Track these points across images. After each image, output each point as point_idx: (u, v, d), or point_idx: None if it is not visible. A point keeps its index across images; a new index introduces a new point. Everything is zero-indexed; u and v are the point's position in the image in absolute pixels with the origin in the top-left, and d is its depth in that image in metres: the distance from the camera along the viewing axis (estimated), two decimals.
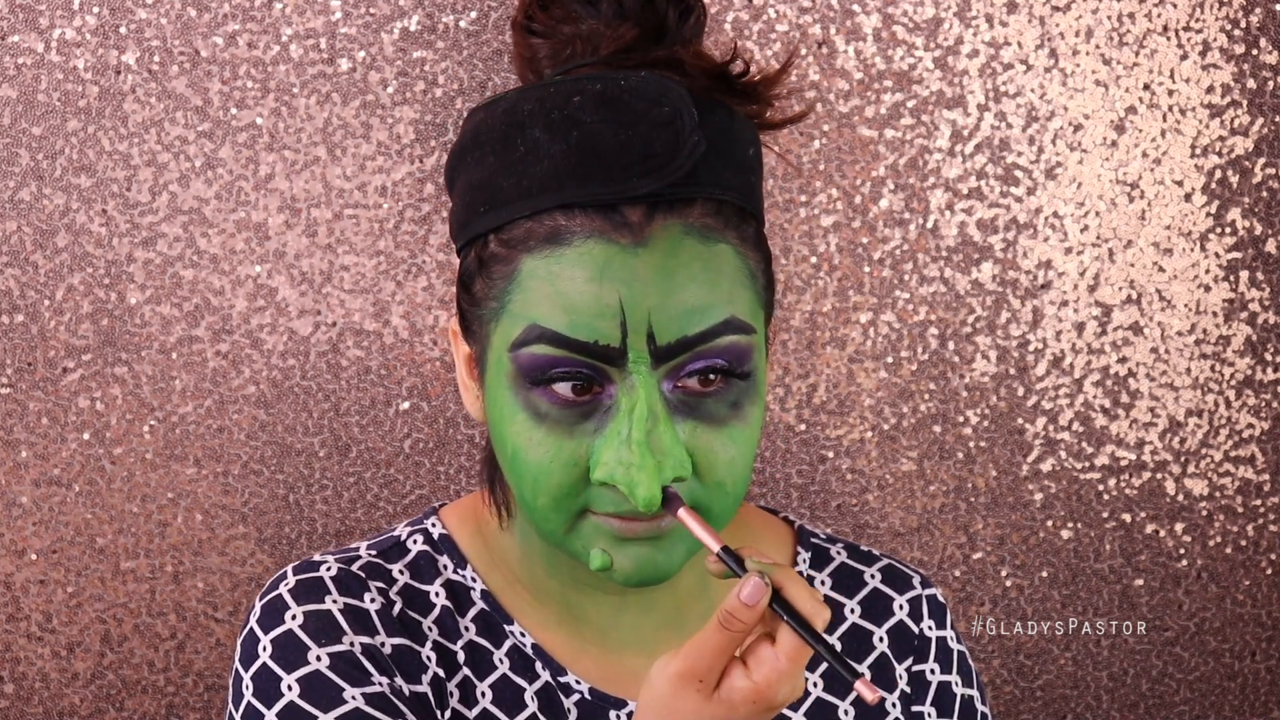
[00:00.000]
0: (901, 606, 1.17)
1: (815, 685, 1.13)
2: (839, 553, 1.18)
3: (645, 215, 0.99)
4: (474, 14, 1.45)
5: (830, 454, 1.53)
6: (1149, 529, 1.57)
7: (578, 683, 1.09)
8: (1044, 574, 1.56)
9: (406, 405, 1.48)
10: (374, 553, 1.10)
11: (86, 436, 1.46)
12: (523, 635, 1.09)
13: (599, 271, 0.98)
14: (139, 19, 1.43)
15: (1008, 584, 1.56)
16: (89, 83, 1.43)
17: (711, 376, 1.00)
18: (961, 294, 1.52)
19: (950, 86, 1.50)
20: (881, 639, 1.15)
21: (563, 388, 0.99)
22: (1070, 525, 1.56)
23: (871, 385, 1.52)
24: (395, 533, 1.13)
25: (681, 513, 0.98)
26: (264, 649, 1.04)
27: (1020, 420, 1.54)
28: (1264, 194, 1.54)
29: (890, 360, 1.52)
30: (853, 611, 1.16)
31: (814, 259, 1.50)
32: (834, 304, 1.51)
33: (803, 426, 1.52)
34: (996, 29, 1.50)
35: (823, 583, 1.16)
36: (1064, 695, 1.58)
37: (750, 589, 0.92)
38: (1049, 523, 1.55)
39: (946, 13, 1.49)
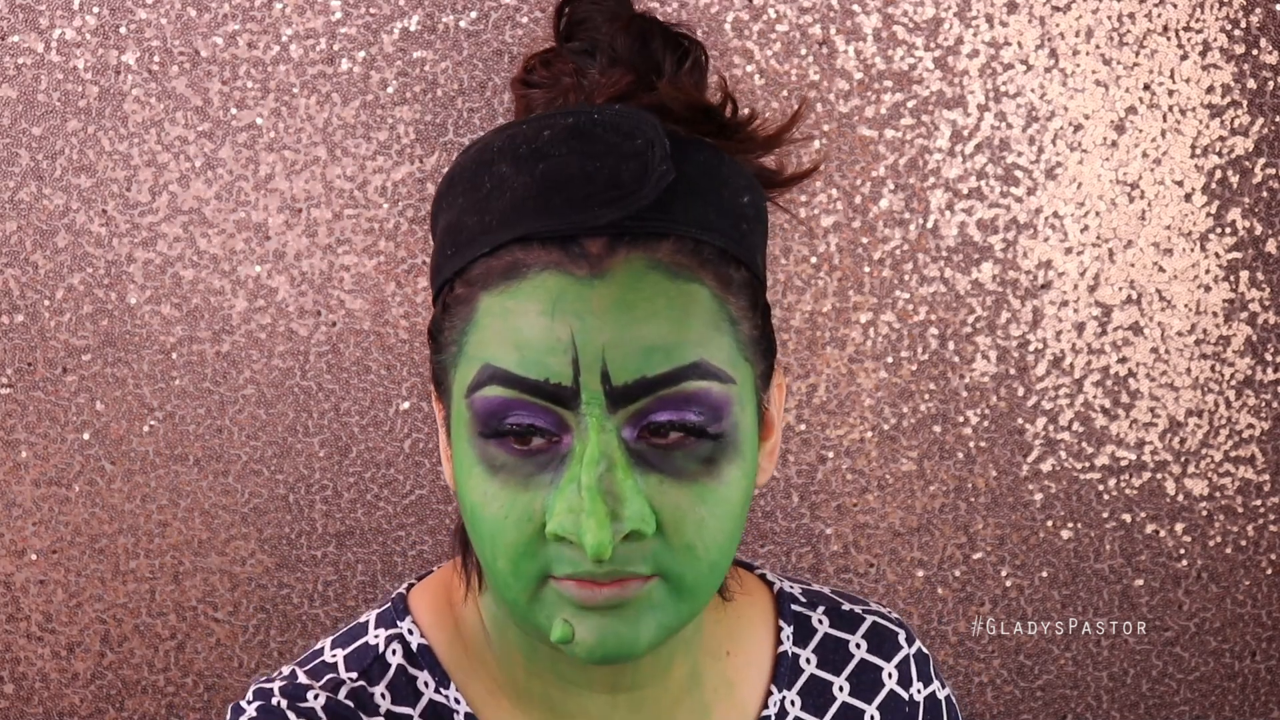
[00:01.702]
0: (890, 675, 1.12)
1: (842, 690, 1.12)
2: (820, 621, 1.12)
3: (607, 247, 0.92)
4: (474, 14, 1.45)
5: (830, 454, 1.52)
6: (1149, 529, 1.56)
7: None
8: (1044, 574, 1.56)
9: (406, 405, 1.48)
10: (354, 674, 1.04)
11: (86, 436, 1.46)
12: None
13: (552, 305, 0.91)
14: (139, 19, 1.43)
15: (1008, 584, 1.56)
16: (89, 83, 1.43)
17: (670, 432, 0.91)
18: (961, 294, 1.52)
19: (950, 86, 1.50)
20: (873, 717, 1.11)
21: (513, 429, 0.91)
22: (1070, 525, 1.56)
23: (871, 385, 1.52)
24: (369, 639, 1.06)
25: None
26: None
27: (1020, 420, 1.54)
28: (1264, 194, 1.54)
29: (890, 360, 1.52)
30: (841, 689, 1.11)
31: (814, 259, 1.50)
32: (834, 304, 1.51)
33: (803, 426, 1.52)
34: (996, 29, 1.50)
35: (808, 660, 1.11)
36: (1064, 695, 1.58)
37: None
38: (1049, 523, 1.55)
39: (946, 13, 1.49)
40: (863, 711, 1.12)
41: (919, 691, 1.14)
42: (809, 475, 1.52)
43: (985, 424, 1.54)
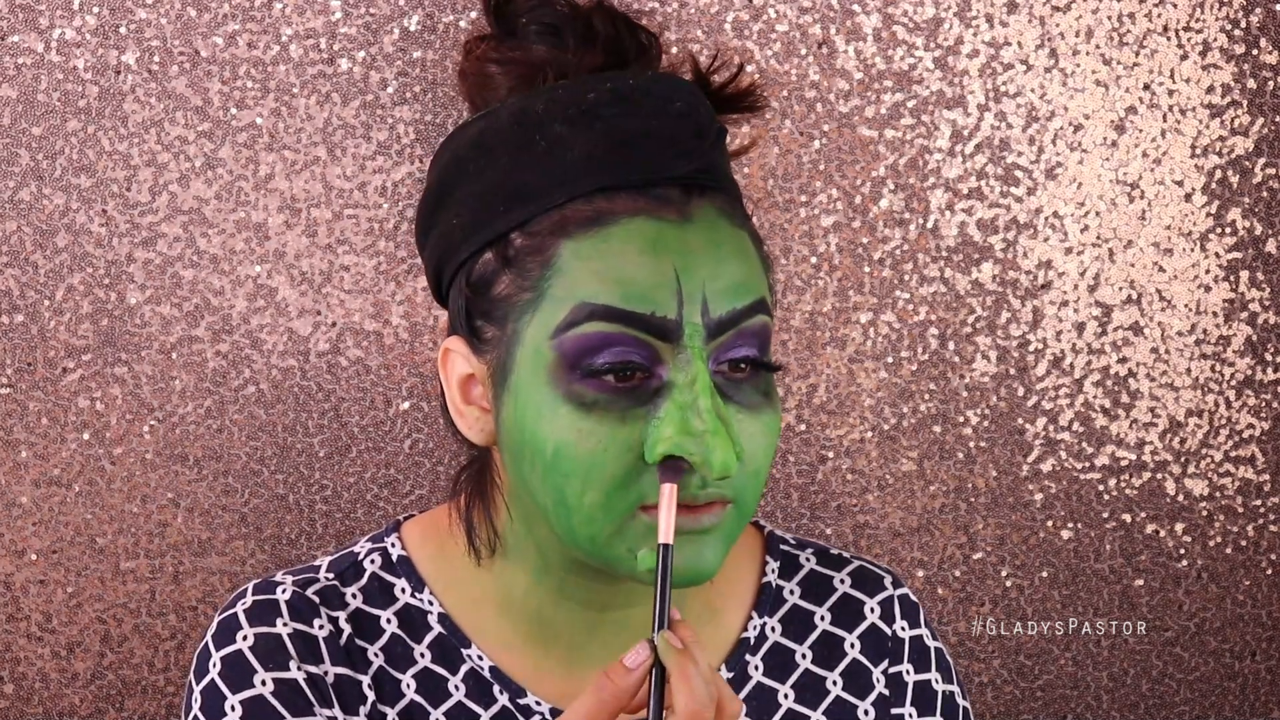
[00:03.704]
0: (873, 609, 1.16)
1: (786, 696, 1.13)
2: (808, 559, 1.17)
3: (684, 195, 0.99)
4: (474, 14, 1.45)
5: (830, 454, 1.53)
6: (1149, 529, 1.57)
7: (538, 704, 1.07)
8: (1044, 574, 1.56)
9: (406, 405, 1.48)
10: (331, 575, 1.09)
11: (86, 436, 1.46)
12: (480, 658, 1.07)
13: (651, 245, 0.97)
14: (139, 19, 1.43)
15: (1008, 584, 1.56)
16: (89, 83, 1.43)
17: (743, 366, 0.99)
18: (961, 294, 1.52)
19: (950, 86, 1.50)
20: (853, 645, 1.15)
21: (610, 366, 0.96)
22: (1070, 525, 1.56)
23: (871, 385, 1.52)
24: (355, 549, 1.12)
25: (669, 489, 0.94)
26: (214, 665, 1.05)
27: (1020, 420, 1.54)
28: (1264, 194, 1.54)
29: (890, 360, 1.52)
30: (822, 619, 1.15)
31: (814, 259, 1.50)
32: (834, 304, 1.51)
33: (803, 426, 1.52)
34: (996, 29, 1.50)
35: (791, 592, 1.15)
36: (1064, 695, 1.58)
37: (634, 653, 0.92)
38: (1049, 523, 1.55)
39: (946, 13, 1.49)
40: (843, 639, 1.15)
41: (903, 629, 1.16)
42: (809, 475, 1.52)
43: (985, 424, 1.54)
